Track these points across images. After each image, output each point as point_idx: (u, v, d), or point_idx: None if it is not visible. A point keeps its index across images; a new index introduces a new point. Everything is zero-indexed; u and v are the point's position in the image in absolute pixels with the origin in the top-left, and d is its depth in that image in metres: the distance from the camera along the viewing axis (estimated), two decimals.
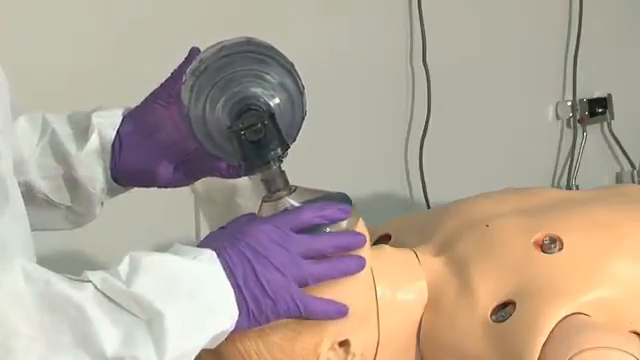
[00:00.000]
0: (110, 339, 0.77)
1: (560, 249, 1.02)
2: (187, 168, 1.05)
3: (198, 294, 0.82)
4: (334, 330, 0.94)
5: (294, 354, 0.93)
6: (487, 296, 1.00)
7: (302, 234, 0.88)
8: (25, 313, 0.74)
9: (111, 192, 1.07)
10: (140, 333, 0.78)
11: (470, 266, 1.03)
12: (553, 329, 0.94)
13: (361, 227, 0.95)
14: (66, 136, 1.04)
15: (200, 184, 1.24)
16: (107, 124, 1.04)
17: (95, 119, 1.04)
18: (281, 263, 0.86)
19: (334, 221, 0.91)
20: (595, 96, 2.24)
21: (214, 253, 0.85)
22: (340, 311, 0.91)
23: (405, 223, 1.20)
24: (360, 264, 0.91)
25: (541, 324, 0.94)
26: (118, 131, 1.03)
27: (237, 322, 0.85)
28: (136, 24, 1.70)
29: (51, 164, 1.04)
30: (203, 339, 0.82)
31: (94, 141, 1.03)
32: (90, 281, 0.78)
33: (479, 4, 2.09)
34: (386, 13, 1.99)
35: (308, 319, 0.89)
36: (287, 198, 0.92)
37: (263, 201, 0.93)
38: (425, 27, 1.99)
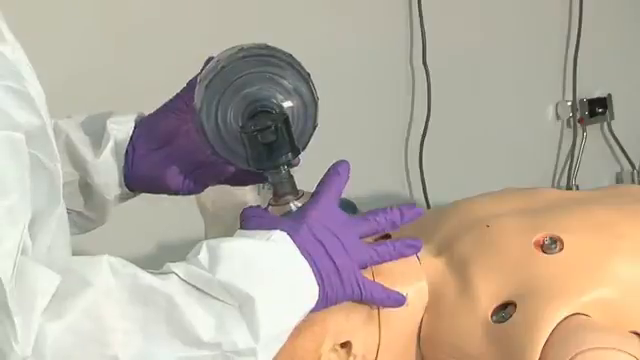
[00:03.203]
0: (205, 325, 0.77)
1: (560, 249, 1.02)
2: (198, 176, 1.05)
3: (280, 274, 0.83)
4: (336, 331, 0.94)
5: (295, 354, 0.93)
6: (487, 297, 1.00)
7: (350, 215, 0.91)
8: (118, 308, 0.75)
9: (122, 198, 1.08)
10: (233, 318, 0.79)
11: (470, 266, 1.03)
12: (554, 330, 0.93)
13: None
14: (81, 143, 1.04)
15: (208, 200, 1.24)
16: (121, 131, 1.04)
17: (110, 125, 1.04)
18: (349, 246, 0.88)
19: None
20: (595, 96, 2.24)
21: (285, 234, 0.85)
22: (398, 300, 0.94)
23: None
24: (417, 248, 0.95)
25: (542, 325, 0.94)
26: (131, 138, 1.04)
27: None
28: (138, 25, 1.70)
29: (67, 170, 1.03)
30: (293, 319, 0.84)
31: (110, 148, 1.04)
32: (173, 272, 0.79)
33: (479, 4, 2.09)
34: (386, 13, 1.99)
35: (363, 303, 0.92)
36: (294, 203, 0.92)
37: (270, 204, 0.93)
38: (425, 27, 1.99)
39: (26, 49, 0.80)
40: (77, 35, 1.64)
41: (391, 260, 0.93)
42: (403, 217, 0.93)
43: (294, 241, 0.85)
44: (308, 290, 0.85)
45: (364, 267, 0.91)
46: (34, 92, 0.82)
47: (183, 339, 0.76)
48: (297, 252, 0.85)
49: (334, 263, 0.87)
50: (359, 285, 0.89)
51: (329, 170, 0.93)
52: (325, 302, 0.87)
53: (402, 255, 0.94)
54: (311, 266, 0.85)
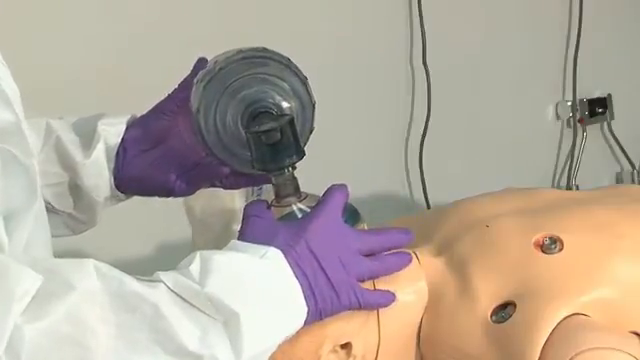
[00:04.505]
0: (189, 336, 0.77)
1: (560, 249, 1.02)
2: (190, 177, 1.05)
3: (269, 294, 0.82)
4: (335, 332, 0.94)
5: (294, 356, 0.93)
6: (487, 297, 1.00)
7: (353, 228, 0.92)
8: (101, 312, 0.74)
9: (113, 200, 1.07)
10: (217, 333, 0.78)
11: (470, 267, 1.03)
12: (553, 330, 0.93)
13: None
14: (71, 143, 1.04)
15: (196, 205, 1.24)
16: (112, 132, 1.04)
17: (100, 126, 1.04)
18: (345, 260, 0.88)
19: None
20: (595, 96, 2.25)
21: (280, 252, 0.85)
22: (389, 299, 0.95)
23: (405, 223, 1.20)
24: (406, 261, 0.96)
25: (541, 325, 0.94)
26: (122, 139, 1.04)
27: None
28: (142, 25, 1.70)
29: (57, 171, 1.04)
30: (278, 338, 0.83)
31: (100, 149, 1.03)
32: (162, 281, 0.78)
33: (479, 4, 2.10)
34: (386, 13, 1.99)
35: (361, 310, 0.92)
36: (296, 205, 0.92)
37: (272, 205, 0.93)
38: (425, 27, 2.00)
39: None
40: (78, 36, 1.65)
41: (386, 274, 0.94)
42: (399, 242, 0.96)
43: (289, 257, 0.85)
44: (296, 310, 0.85)
45: (362, 280, 0.90)
46: (8, 89, 0.82)
47: (166, 348, 0.75)
48: (288, 271, 0.84)
49: (328, 278, 0.86)
50: (357, 297, 0.89)
51: (331, 187, 0.94)
52: (319, 315, 0.87)
53: (395, 271, 0.95)
54: (302, 284, 0.85)
